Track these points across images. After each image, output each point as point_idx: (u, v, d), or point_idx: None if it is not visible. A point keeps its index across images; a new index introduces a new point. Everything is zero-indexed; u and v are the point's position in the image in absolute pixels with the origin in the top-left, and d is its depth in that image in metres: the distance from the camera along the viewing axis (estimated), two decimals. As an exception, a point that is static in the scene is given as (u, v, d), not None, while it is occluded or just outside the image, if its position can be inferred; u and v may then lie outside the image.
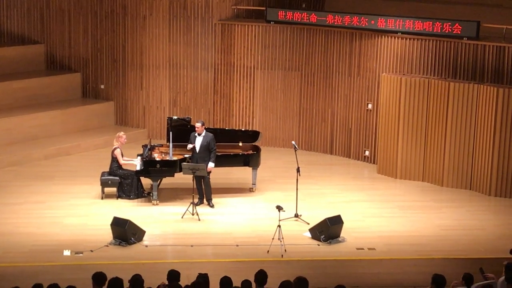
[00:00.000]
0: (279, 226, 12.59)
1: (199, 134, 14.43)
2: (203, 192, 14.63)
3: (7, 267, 11.73)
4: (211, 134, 14.56)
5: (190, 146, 14.44)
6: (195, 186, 14.28)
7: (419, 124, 16.32)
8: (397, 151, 16.63)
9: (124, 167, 14.97)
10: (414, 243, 13.13)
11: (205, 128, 14.58)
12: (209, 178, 14.47)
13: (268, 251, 12.46)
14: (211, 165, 14.46)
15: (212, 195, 14.70)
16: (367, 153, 17.82)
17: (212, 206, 14.57)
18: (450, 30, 16.10)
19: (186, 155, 14.74)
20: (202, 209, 14.32)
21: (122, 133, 15.18)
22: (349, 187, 16.16)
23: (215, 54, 18.97)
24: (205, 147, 14.40)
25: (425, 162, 16.44)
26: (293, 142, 14.77)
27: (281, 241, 12.47)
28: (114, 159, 14.83)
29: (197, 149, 14.40)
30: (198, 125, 14.44)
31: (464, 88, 15.73)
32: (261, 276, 8.90)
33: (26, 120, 17.91)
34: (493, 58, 15.75)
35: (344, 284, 8.90)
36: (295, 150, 14.36)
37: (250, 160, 15.25)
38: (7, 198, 14.84)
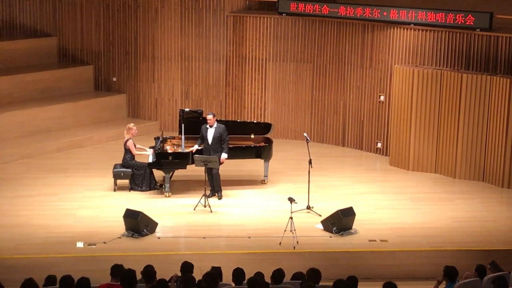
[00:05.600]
0: (291, 218, 12.60)
1: (210, 126, 14.44)
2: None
3: (20, 259, 11.80)
4: (222, 125, 14.57)
5: (196, 147, 14.49)
6: (207, 178, 14.30)
7: (431, 116, 16.27)
8: (409, 143, 16.58)
9: (137, 158, 15.00)
10: (426, 235, 13.11)
11: (216, 120, 14.60)
12: (217, 170, 14.46)
13: (280, 243, 12.48)
14: (224, 156, 14.48)
15: (224, 187, 14.74)
16: (379, 145, 17.79)
17: (219, 198, 14.59)
18: (463, 22, 16.02)
19: (198, 147, 14.75)
20: (214, 201, 14.34)
21: (132, 124, 15.20)
22: (361, 179, 16.14)
23: (227, 46, 18.97)
24: (218, 138, 14.42)
25: (438, 154, 16.39)
26: (305, 134, 14.77)
27: (293, 233, 12.48)
28: (127, 151, 14.86)
29: (210, 141, 14.41)
30: (209, 117, 14.45)
31: (477, 79, 15.66)
32: (279, 275, 8.92)
33: (38, 113, 17.97)
34: (506, 49, 15.66)
35: (356, 275, 8.92)
36: (307, 142, 14.35)
37: (262, 152, 15.25)
38: (20, 190, 14.91)
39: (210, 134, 14.42)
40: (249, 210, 14.19)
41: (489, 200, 15.00)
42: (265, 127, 15.86)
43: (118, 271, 8.66)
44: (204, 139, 14.50)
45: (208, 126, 14.46)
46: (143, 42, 19.37)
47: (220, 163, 14.45)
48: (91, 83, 20.00)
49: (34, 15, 20.24)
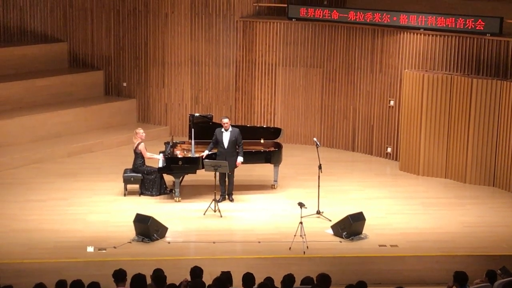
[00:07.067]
0: (301, 223, 12.60)
1: (226, 130, 14.47)
2: (226, 188, 14.68)
3: (31, 263, 11.83)
4: (237, 129, 14.61)
5: (206, 153, 14.53)
6: (217, 183, 14.32)
7: (441, 121, 16.24)
8: (419, 148, 16.56)
9: (147, 162, 15.03)
10: (436, 240, 13.08)
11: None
12: (232, 175, 14.51)
13: (290, 248, 12.47)
14: (240, 159, 14.52)
15: (234, 192, 14.80)
16: (389, 150, 17.77)
17: (231, 201, 14.64)
18: (473, 26, 16.00)
19: (209, 152, 14.76)
20: (224, 206, 14.35)
21: (139, 129, 15.20)
22: (371, 184, 16.12)
23: (236, 51, 18.99)
24: (233, 142, 14.45)
25: (448, 159, 16.36)
26: (315, 139, 14.76)
27: (303, 238, 12.47)
28: (139, 155, 14.88)
29: (226, 145, 14.44)
30: (226, 120, 14.46)
31: (487, 84, 15.63)
32: (289, 280, 8.92)
33: (49, 118, 18.04)
34: (517, 54, 15.65)
35: (366, 281, 8.90)
36: (317, 147, 14.35)
37: (272, 157, 15.25)
38: (31, 195, 14.97)
39: (226, 138, 14.45)
40: (259, 215, 14.19)
41: (500, 205, 14.96)
42: (275, 132, 15.87)
43: (120, 275, 8.68)
44: (218, 143, 14.52)
45: (223, 130, 14.48)
46: (153, 47, 19.42)
47: (236, 167, 14.49)
48: (101, 88, 20.07)
49: (45, 21, 20.33)
